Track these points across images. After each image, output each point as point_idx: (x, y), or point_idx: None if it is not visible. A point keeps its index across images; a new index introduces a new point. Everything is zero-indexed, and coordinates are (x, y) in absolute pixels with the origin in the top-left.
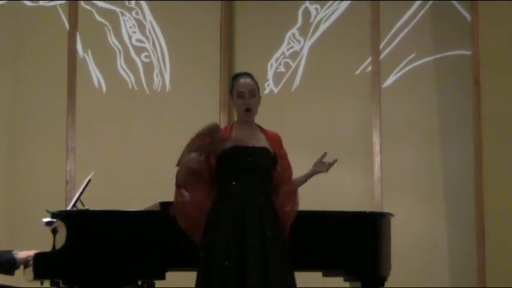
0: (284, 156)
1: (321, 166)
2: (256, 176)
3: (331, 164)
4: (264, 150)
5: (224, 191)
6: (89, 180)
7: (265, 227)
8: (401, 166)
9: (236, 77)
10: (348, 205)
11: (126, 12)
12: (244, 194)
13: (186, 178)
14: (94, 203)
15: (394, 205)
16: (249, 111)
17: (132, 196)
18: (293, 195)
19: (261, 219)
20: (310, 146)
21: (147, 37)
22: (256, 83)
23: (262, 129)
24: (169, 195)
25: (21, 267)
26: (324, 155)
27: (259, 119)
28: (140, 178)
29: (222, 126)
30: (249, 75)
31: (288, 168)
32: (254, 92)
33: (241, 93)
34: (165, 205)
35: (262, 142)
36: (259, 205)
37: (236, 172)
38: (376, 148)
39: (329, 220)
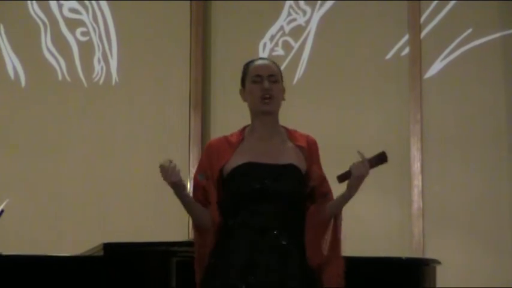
0: (323, 178)
1: (359, 168)
2: (278, 208)
3: (372, 162)
4: (290, 168)
5: (227, 227)
6: (1, 212)
7: (288, 279)
8: (451, 192)
9: (250, 61)
10: (376, 248)
11: None
12: (258, 231)
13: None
14: (8, 245)
15: (441, 248)
16: (268, 99)
17: (62, 235)
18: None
19: (282, 269)
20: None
21: (85, 6)
22: (279, 68)
23: (289, 132)
24: (116, 234)
25: None
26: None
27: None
28: (74, 209)
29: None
30: (268, 60)
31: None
32: (276, 77)
33: (258, 77)
34: (110, 247)
35: (288, 155)
36: (280, 248)
37: (246, 202)
38: (416, 165)
39: (350, 269)
